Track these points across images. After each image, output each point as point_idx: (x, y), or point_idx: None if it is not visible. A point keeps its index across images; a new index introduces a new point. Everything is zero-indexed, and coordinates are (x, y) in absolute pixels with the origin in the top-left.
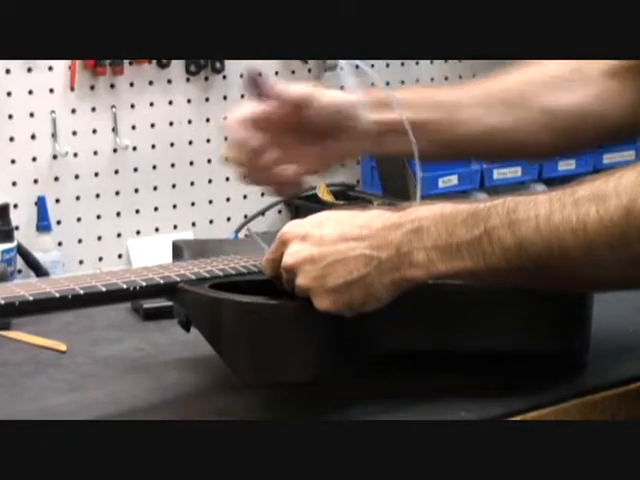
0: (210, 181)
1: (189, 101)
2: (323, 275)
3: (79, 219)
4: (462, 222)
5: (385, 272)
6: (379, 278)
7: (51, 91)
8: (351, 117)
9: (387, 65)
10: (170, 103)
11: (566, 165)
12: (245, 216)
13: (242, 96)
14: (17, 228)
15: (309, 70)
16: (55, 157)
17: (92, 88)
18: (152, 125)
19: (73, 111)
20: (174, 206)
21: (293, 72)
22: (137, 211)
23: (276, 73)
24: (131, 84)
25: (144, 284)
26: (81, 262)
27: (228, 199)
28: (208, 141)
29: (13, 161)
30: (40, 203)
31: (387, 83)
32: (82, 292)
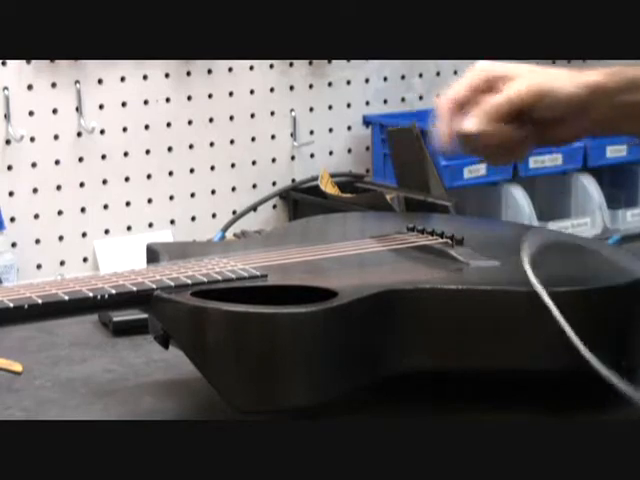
0: (192, 170)
1: (167, 75)
2: (539, 70)
3: (36, 216)
4: None
5: (612, 94)
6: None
7: (3, 64)
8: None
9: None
10: (144, 78)
11: (616, 152)
12: (234, 212)
13: (229, 69)
14: None
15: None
16: (8, 142)
17: (52, 60)
18: (123, 104)
19: (29, 87)
20: (149, 200)
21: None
22: (105, 206)
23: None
24: None
25: (113, 292)
26: (39, 267)
27: (213, 192)
28: (190, 123)
29: None
30: None
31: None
32: (40, 302)
